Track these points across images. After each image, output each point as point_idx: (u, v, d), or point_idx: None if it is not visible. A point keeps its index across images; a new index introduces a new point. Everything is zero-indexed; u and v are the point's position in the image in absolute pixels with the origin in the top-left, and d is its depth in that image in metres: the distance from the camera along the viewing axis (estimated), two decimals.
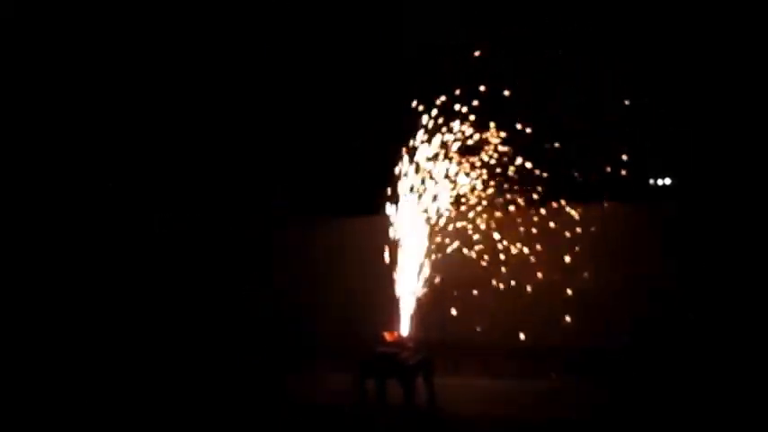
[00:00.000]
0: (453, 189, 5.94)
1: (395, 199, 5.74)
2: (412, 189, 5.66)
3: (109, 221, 9.78)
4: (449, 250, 6.51)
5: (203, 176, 10.21)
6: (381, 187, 5.86)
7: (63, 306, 9.07)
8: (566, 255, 7.19)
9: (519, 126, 5.95)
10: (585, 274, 7.13)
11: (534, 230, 7.21)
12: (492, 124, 5.83)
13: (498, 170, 6.01)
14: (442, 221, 6.19)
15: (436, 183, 5.78)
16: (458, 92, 5.77)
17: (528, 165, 6.01)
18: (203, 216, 9.66)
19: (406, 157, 5.72)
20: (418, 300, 5.69)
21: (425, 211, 5.79)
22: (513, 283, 7.30)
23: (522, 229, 7.23)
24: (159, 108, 10.24)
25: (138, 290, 9.24)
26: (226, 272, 9.25)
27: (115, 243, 9.63)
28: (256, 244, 9.26)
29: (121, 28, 10.12)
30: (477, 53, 5.86)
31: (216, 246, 9.44)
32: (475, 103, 5.71)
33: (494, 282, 7.29)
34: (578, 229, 7.12)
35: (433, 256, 6.01)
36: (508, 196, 6.34)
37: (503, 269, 7.33)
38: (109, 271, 9.44)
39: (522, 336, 6.95)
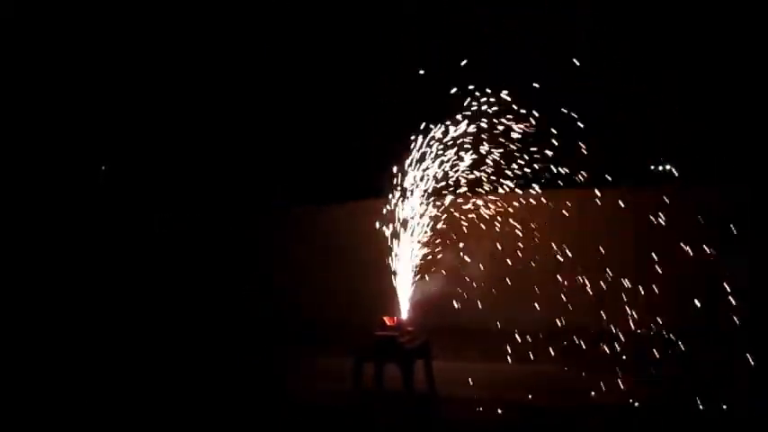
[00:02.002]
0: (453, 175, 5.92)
1: (394, 182, 5.72)
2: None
3: (110, 221, 9.79)
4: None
5: (202, 174, 10.21)
6: (381, 171, 5.83)
7: (63, 304, 9.08)
8: (566, 240, 7.23)
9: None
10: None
11: (535, 216, 7.25)
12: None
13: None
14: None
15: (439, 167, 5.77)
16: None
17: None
18: (202, 208, 9.68)
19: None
20: (417, 284, 5.68)
21: (425, 194, 5.77)
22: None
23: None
24: (159, 109, 10.23)
25: (137, 287, 9.26)
26: (225, 260, 9.28)
27: (116, 242, 9.65)
28: (254, 233, 9.29)
29: (121, 27, 10.10)
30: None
31: (215, 234, 9.46)
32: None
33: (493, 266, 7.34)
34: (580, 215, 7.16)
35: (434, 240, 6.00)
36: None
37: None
38: (109, 269, 9.46)
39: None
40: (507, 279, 7.56)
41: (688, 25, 7.67)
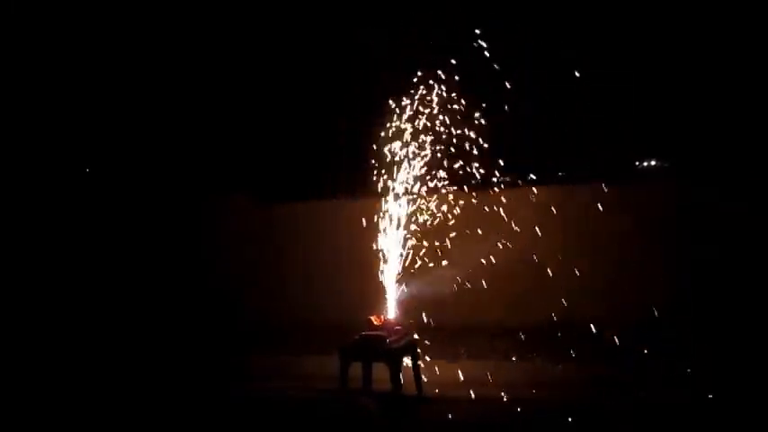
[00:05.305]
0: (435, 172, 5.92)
1: (378, 182, 5.70)
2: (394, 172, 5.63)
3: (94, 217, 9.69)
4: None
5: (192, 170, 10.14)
6: (364, 170, 5.81)
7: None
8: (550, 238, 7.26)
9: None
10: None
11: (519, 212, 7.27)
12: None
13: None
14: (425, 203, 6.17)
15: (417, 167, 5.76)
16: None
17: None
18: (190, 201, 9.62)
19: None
20: (404, 283, 5.66)
21: (409, 192, 5.75)
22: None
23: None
24: (140, 108, 10.16)
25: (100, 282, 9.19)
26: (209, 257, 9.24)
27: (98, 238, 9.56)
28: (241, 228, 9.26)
29: (119, 27, 10.03)
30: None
31: (201, 230, 9.42)
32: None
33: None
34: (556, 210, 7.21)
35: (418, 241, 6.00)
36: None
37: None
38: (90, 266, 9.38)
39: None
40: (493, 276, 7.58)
41: (674, 20, 7.71)
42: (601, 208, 7.24)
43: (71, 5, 9.67)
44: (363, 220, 5.84)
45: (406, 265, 5.78)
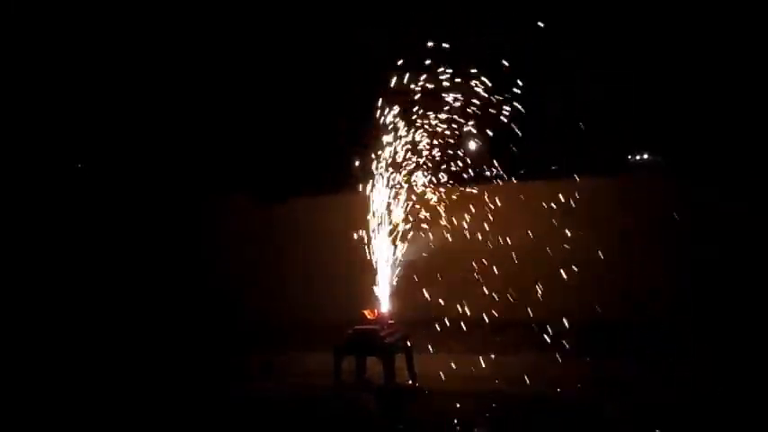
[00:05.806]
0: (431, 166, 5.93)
1: (370, 176, 5.71)
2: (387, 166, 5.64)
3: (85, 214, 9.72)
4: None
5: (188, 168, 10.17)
6: (355, 164, 5.82)
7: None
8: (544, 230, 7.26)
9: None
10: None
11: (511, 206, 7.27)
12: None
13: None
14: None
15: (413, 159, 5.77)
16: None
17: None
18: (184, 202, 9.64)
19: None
20: (397, 277, 5.66)
21: (400, 186, 5.76)
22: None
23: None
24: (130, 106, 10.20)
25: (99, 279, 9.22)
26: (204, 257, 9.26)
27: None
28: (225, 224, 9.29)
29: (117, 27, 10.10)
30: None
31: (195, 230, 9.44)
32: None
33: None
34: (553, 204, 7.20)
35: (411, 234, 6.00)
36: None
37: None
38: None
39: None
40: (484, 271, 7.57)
41: (669, 15, 7.72)
42: (599, 206, 7.24)
43: (70, 5, 9.73)
44: (358, 218, 5.82)
45: (401, 259, 5.79)
